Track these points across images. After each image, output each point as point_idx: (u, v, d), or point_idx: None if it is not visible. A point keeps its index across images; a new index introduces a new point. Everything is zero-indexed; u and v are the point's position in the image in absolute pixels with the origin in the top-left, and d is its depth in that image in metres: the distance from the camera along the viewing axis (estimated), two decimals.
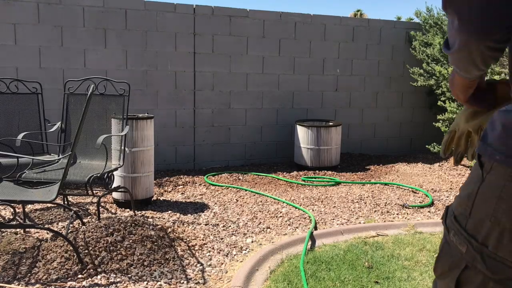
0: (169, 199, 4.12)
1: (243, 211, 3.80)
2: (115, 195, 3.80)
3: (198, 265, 2.75)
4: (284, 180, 4.88)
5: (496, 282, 0.77)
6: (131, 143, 3.69)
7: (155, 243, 2.80)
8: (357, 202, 4.13)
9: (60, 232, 3.01)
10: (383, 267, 2.74)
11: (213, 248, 3.00)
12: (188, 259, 2.81)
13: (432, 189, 4.61)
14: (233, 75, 5.44)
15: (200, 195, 4.29)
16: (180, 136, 5.32)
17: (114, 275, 2.50)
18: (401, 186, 4.69)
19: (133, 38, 4.98)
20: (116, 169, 3.30)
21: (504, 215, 0.75)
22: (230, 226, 3.43)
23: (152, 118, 3.83)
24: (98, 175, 2.95)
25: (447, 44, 0.87)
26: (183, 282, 2.52)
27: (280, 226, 3.48)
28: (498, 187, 0.76)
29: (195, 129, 5.37)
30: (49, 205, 3.76)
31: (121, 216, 3.28)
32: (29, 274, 2.52)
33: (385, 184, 4.79)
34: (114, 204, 3.84)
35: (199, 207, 3.89)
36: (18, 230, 3.14)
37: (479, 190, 0.80)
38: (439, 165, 5.63)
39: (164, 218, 3.53)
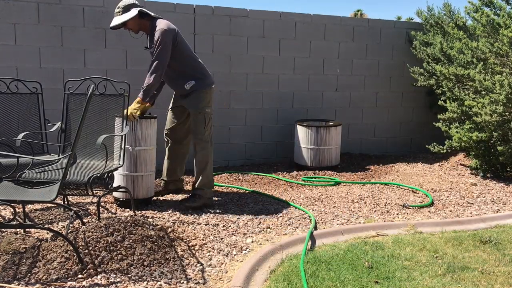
0: (169, 199, 4.12)
1: (243, 211, 3.81)
2: (116, 194, 3.80)
3: (198, 265, 2.75)
4: (284, 180, 4.88)
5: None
6: (133, 142, 3.69)
7: (155, 243, 2.80)
8: (357, 202, 4.13)
9: (60, 232, 3.02)
10: (383, 267, 2.74)
11: (213, 248, 3.00)
12: (188, 259, 2.81)
13: (432, 189, 4.61)
14: (233, 75, 5.44)
15: None
16: None
17: (114, 275, 2.50)
18: (401, 186, 4.69)
19: (133, 38, 4.97)
20: (116, 169, 3.30)
21: (201, 95, 3.86)
22: (230, 226, 3.43)
23: (155, 118, 3.85)
24: (98, 175, 2.95)
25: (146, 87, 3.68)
26: (183, 282, 2.52)
27: (280, 226, 3.48)
28: (198, 91, 3.86)
29: None
30: (49, 205, 3.76)
31: (121, 216, 3.28)
32: (29, 274, 2.52)
33: (385, 184, 4.79)
34: (114, 204, 3.83)
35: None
36: (18, 230, 3.14)
37: (198, 90, 3.88)
38: (439, 165, 5.64)
39: (164, 218, 3.53)
